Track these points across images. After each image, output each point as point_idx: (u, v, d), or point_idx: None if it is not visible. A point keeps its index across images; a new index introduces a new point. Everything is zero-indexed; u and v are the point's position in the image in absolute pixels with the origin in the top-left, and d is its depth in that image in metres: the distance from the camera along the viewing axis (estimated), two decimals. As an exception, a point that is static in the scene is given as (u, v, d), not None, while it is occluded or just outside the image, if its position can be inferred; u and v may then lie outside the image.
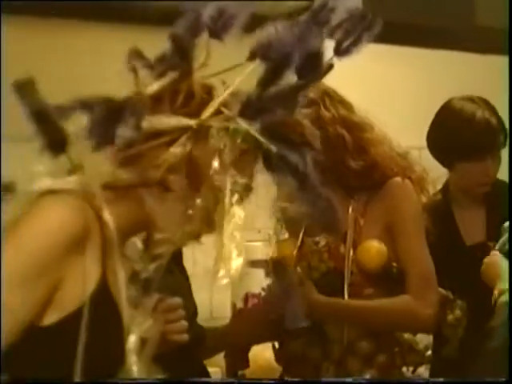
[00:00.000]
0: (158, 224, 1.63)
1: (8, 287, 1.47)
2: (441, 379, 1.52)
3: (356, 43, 1.81)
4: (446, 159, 3.24)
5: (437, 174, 3.15)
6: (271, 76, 1.72)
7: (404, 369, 2.81)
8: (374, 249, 2.71)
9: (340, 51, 1.78)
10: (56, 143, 1.61)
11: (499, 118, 3.23)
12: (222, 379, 1.90)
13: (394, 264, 2.73)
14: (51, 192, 1.57)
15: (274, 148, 1.68)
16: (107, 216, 1.58)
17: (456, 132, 3.18)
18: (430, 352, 2.92)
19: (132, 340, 1.60)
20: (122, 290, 1.61)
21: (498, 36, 4.62)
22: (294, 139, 1.82)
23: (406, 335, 2.84)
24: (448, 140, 3.19)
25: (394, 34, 4.12)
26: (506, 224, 2.91)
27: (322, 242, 2.76)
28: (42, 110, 1.58)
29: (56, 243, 1.52)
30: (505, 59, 4.43)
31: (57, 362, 1.54)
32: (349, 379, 1.38)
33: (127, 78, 1.67)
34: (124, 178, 1.62)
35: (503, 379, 1.09)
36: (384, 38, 3.45)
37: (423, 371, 2.90)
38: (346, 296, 2.70)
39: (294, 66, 1.73)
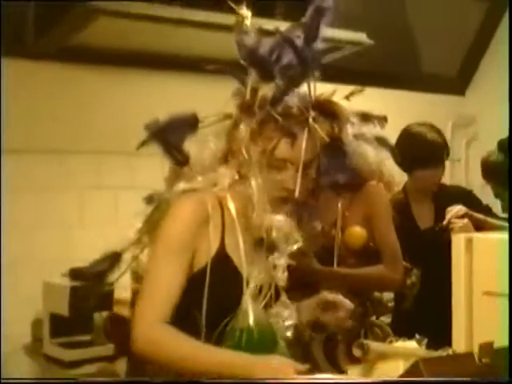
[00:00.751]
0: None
1: (168, 257, 1.79)
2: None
3: (318, 30, 1.91)
4: (409, 167, 3.42)
5: (399, 178, 3.22)
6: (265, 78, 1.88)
7: (373, 317, 2.91)
8: (357, 232, 2.83)
9: (309, 40, 1.89)
10: (179, 161, 1.92)
11: (444, 138, 3.49)
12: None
13: (371, 244, 2.86)
14: (184, 192, 1.87)
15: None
16: (230, 203, 1.84)
17: (417, 148, 3.39)
18: (391, 304, 3.05)
19: (250, 287, 1.81)
20: (242, 253, 1.82)
21: (439, 80, 4.86)
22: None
23: (375, 293, 2.96)
24: (411, 154, 3.33)
25: (360, 78, 4.13)
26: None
27: (318, 227, 2.86)
28: (165, 140, 1.89)
29: (188, 226, 1.81)
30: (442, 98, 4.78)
31: (191, 302, 1.79)
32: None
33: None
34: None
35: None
36: (355, 81, 3.74)
37: (385, 319, 3.02)
38: (335, 265, 2.82)
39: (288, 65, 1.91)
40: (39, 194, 3.48)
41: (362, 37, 3.72)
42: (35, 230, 3.43)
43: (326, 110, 1.95)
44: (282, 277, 1.91)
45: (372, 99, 4.22)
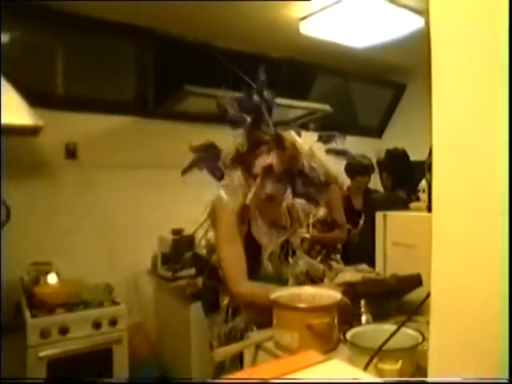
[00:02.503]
0: None
1: (232, 239, 1.67)
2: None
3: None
4: (351, 176, 3.52)
5: (347, 183, 3.48)
6: None
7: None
8: (322, 211, 3.15)
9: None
10: (217, 177, 1.73)
11: (371, 162, 3.67)
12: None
13: (329, 218, 2.99)
14: (223, 196, 1.68)
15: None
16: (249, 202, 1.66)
17: (356, 166, 3.49)
18: (339, 247, 3.17)
19: (266, 253, 1.72)
20: (262, 232, 1.72)
21: (368, 129, 4.93)
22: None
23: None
24: (353, 169, 3.48)
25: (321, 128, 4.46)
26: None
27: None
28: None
29: (233, 218, 1.68)
30: (369, 139, 4.81)
31: None
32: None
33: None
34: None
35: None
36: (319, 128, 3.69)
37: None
38: (310, 228, 3.05)
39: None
40: (162, 190, 3.56)
41: (326, 107, 3.82)
42: (153, 209, 3.49)
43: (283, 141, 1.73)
44: (296, 241, 1.83)
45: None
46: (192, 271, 3.22)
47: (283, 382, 0.68)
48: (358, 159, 3.55)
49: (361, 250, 3.17)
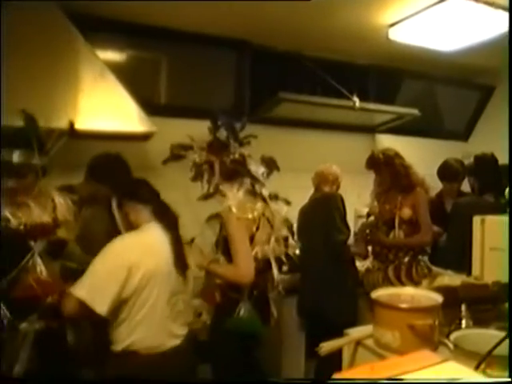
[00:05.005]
0: None
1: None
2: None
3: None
4: (441, 180, 3.38)
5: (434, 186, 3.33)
6: None
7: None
8: (406, 211, 2.77)
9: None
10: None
11: (464, 166, 3.37)
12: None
13: (414, 218, 2.78)
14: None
15: None
16: None
17: (446, 171, 3.36)
18: (428, 249, 2.91)
19: None
20: None
21: (454, 133, 4.71)
22: None
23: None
24: (443, 174, 3.36)
25: (411, 133, 4.22)
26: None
27: (387, 208, 2.88)
28: None
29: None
30: (455, 143, 4.55)
31: None
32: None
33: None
34: None
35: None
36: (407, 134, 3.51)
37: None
38: (396, 229, 2.78)
39: None
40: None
41: (415, 111, 3.69)
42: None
43: None
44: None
45: (418, 144, 4.23)
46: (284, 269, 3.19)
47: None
48: (451, 163, 3.36)
49: (447, 254, 3.01)
